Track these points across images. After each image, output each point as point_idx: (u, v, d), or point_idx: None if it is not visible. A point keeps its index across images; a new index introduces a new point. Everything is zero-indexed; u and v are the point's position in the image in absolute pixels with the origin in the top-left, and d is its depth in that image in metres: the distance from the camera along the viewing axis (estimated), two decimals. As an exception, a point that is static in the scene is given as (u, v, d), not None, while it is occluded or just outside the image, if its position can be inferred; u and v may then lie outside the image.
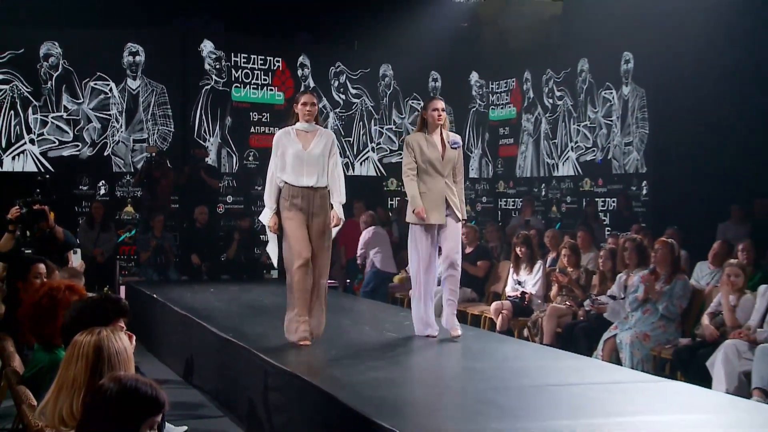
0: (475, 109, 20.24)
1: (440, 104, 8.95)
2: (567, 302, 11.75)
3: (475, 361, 8.66)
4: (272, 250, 9.09)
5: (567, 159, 17.88)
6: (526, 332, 12.08)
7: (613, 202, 16.86)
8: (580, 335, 11.02)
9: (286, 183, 8.48)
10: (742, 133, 14.00)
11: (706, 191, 14.44)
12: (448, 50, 19.42)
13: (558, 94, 18.04)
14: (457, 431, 6.02)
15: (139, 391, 3.56)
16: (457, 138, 8.95)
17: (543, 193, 18.51)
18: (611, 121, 16.75)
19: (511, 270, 12.99)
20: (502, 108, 19.72)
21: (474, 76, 20.12)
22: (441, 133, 8.93)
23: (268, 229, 8.78)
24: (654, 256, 10.67)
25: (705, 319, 10.04)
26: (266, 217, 8.74)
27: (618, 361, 10.07)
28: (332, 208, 8.83)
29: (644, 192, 16.25)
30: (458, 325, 9.18)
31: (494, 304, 12.60)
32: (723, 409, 6.99)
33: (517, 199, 19.04)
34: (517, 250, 12.84)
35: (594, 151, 17.14)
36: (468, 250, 14.07)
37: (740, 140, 14.10)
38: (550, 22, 18.07)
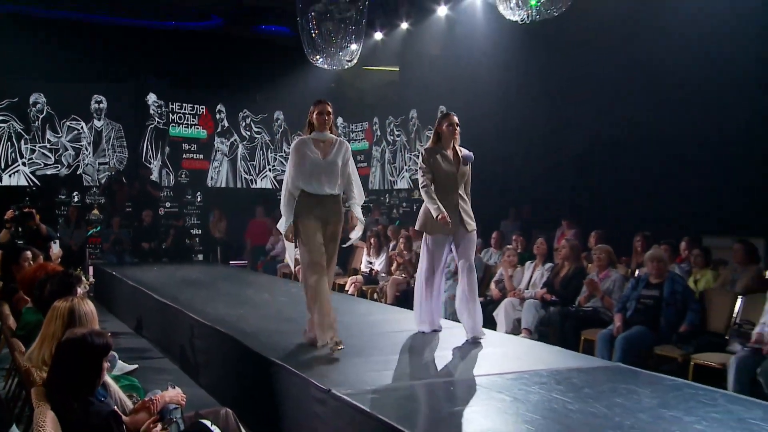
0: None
1: (455, 119, 7.05)
2: (403, 275, 12.04)
3: (340, 315, 8.55)
4: (290, 257, 7.08)
5: (403, 177, 18.17)
6: (375, 296, 12.24)
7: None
8: (412, 298, 11.12)
9: (303, 191, 6.54)
10: (516, 158, 14.31)
11: (495, 196, 14.54)
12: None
13: (396, 132, 18.28)
14: (327, 364, 5.89)
15: (92, 336, 3.81)
16: (470, 154, 7.10)
17: (387, 200, 18.69)
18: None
19: (365, 253, 13.30)
20: (358, 142, 19.84)
21: (340, 120, 20.29)
22: (454, 148, 7.06)
23: (285, 238, 6.77)
24: None
25: (492, 285, 10.23)
26: (284, 226, 6.68)
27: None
28: (347, 211, 6.92)
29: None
30: (483, 330, 7.09)
31: (351, 278, 13.00)
32: (504, 343, 7.17)
33: (369, 204, 19.27)
34: (371, 240, 13.17)
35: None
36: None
37: (513, 162, 14.43)
38: (391, 84, 18.30)
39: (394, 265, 12.50)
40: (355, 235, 7.09)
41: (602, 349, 7.83)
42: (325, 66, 12.57)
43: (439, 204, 6.75)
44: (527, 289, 9.60)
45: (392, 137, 18.60)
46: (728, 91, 10.46)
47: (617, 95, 11.63)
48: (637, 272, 8.75)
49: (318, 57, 12.22)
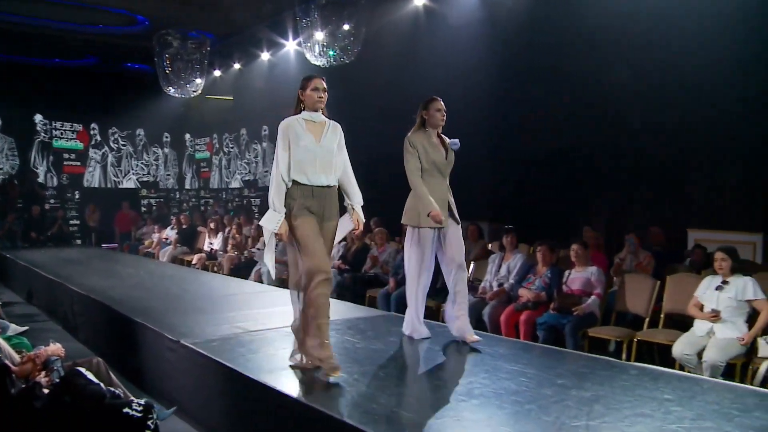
0: (189, 152, 19.94)
1: (443, 104, 5.14)
2: (236, 252, 11.93)
3: (188, 284, 8.55)
4: (270, 261, 4.51)
5: (235, 179, 18.01)
6: (215, 269, 12.04)
7: (258, 200, 17.02)
8: (243, 268, 11.13)
9: (295, 182, 4.30)
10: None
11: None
12: (173, 121, 19.15)
13: (231, 145, 18.08)
14: (177, 319, 5.80)
15: None
16: (456, 140, 5.21)
17: (224, 196, 18.44)
18: (257, 160, 17.05)
19: (207, 236, 13.12)
20: (202, 152, 19.48)
21: (188, 136, 19.86)
22: (439, 135, 5.22)
23: (274, 237, 4.34)
24: None
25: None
26: (273, 221, 4.25)
27: (260, 281, 10.00)
28: (346, 210, 4.66)
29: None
30: (472, 331, 5.15)
31: (197, 255, 12.72)
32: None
33: (210, 200, 18.98)
34: (211, 225, 13.06)
35: (251, 174, 17.38)
36: (185, 225, 14.10)
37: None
38: (227, 108, 18.04)
39: (229, 245, 12.38)
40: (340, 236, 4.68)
41: (381, 303, 8.01)
42: (176, 95, 12.53)
43: (431, 198, 4.99)
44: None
45: (227, 149, 18.30)
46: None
47: (392, 120, 11.87)
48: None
49: (170, 88, 12.15)
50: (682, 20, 7.98)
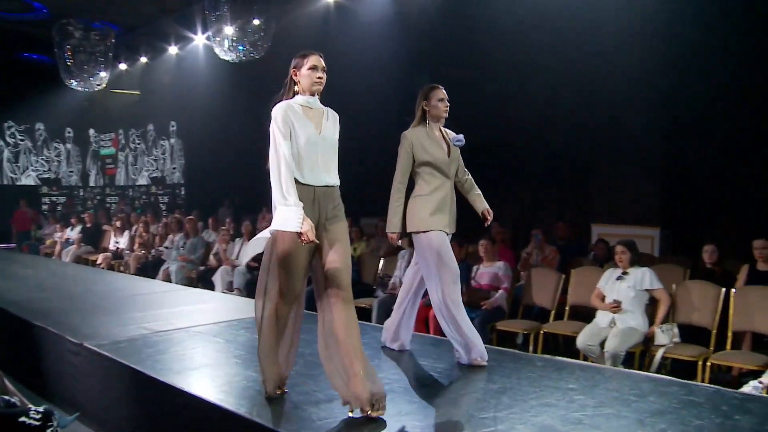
0: (93, 148, 19.31)
1: (445, 93, 4.38)
2: (143, 251, 11.66)
3: (92, 284, 8.16)
4: (255, 248, 3.97)
5: (143, 176, 17.58)
6: (121, 268, 11.66)
7: (166, 197, 16.73)
8: (151, 267, 10.90)
9: (295, 179, 3.45)
10: (227, 158, 14.11)
11: (212, 188, 14.60)
12: (76, 115, 18.45)
13: (137, 141, 17.68)
14: (80, 321, 5.56)
15: None
16: (460, 136, 4.41)
17: (131, 193, 18.01)
18: (165, 156, 16.69)
19: (113, 235, 12.78)
20: (107, 148, 18.94)
21: (92, 131, 19.22)
22: (440, 129, 4.45)
23: (295, 238, 3.35)
24: (188, 224, 10.78)
25: (211, 257, 10.07)
26: (293, 220, 3.31)
27: (168, 280, 9.89)
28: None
29: (183, 193, 16.32)
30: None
31: (102, 254, 12.34)
32: (220, 300, 7.31)
33: (115, 198, 18.46)
34: (117, 223, 12.74)
35: (159, 171, 16.97)
36: (89, 224, 13.67)
37: (224, 161, 14.22)
38: (133, 104, 17.57)
39: (136, 244, 12.07)
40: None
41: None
42: (79, 88, 12.09)
43: (391, 209, 4.33)
44: (237, 259, 9.58)
45: (134, 145, 17.88)
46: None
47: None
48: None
49: (72, 81, 11.71)
50: (588, 21, 8.26)
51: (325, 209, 3.52)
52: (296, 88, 3.62)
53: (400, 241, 4.46)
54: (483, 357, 4.29)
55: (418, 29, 9.82)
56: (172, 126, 16.37)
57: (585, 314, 6.24)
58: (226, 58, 9.76)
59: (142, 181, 17.65)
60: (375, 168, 11.72)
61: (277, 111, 3.54)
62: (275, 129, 3.50)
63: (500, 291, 6.60)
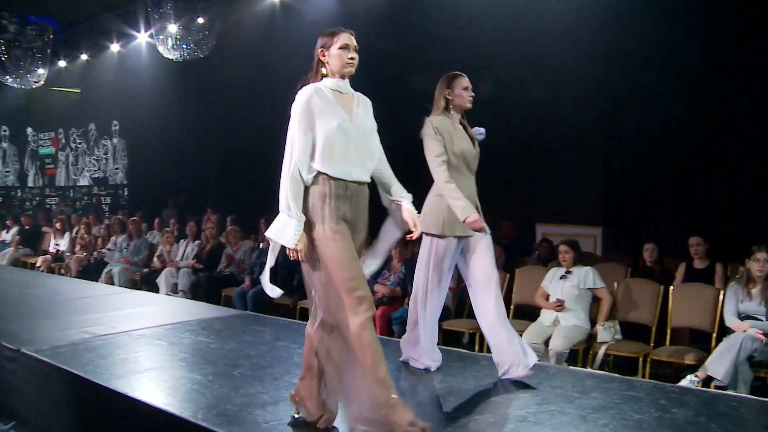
0: (31, 147, 18.81)
1: (469, 82, 4.05)
2: (84, 253, 11.41)
3: (30, 288, 7.92)
4: (268, 282, 3.22)
5: (84, 176, 17.19)
6: (62, 271, 11.32)
7: (109, 198, 16.44)
8: (93, 269, 10.63)
9: (323, 175, 3.00)
10: (174, 160, 13.91)
11: (156, 188, 14.34)
12: (13, 114, 18.00)
13: (78, 141, 17.28)
14: (16, 325, 5.45)
15: None
16: (482, 129, 4.14)
17: (72, 194, 17.60)
18: (107, 156, 16.37)
19: (52, 237, 12.51)
20: (46, 148, 18.47)
21: (30, 130, 18.73)
22: (462, 121, 4.10)
23: (276, 251, 3.13)
24: (132, 225, 10.60)
25: (155, 259, 9.83)
26: (288, 233, 2.95)
27: (111, 282, 9.62)
28: (396, 207, 3.41)
29: (126, 193, 16.02)
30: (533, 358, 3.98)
31: (41, 257, 12.04)
32: (164, 302, 7.19)
33: (55, 199, 18.02)
34: (57, 225, 12.47)
35: (101, 171, 16.64)
36: (26, 226, 13.34)
37: (172, 163, 13.99)
38: (74, 102, 17.18)
39: (77, 246, 11.81)
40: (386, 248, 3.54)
41: (238, 302, 7.91)
42: (15, 85, 11.79)
43: (467, 200, 3.84)
44: (182, 260, 9.47)
45: (75, 144, 17.45)
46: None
47: (248, 117, 11.78)
48: (261, 245, 8.95)
49: (8, 77, 11.41)
50: (529, 21, 8.40)
51: (358, 210, 3.11)
52: (324, 70, 3.17)
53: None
54: (437, 362, 4.16)
55: (364, 29, 9.83)
56: (115, 125, 16.04)
57: (530, 313, 6.31)
58: (170, 56, 9.66)
59: (84, 181, 17.24)
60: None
61: (300, 98, 3.06)
62: (293, 120, 3.05)
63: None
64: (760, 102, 7.20)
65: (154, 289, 9.13)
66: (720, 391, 4.42)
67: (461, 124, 4.09)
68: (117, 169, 16.16)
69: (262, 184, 12.34)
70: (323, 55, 3.16)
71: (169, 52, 9.60)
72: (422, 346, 4.13)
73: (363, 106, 3.19)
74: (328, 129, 2.99)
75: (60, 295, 7.43)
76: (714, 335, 5.31)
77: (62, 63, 15.63)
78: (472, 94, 4.05)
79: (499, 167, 9.01)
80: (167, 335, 5.23)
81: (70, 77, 16.44)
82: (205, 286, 8.69)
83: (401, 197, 3.37)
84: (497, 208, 9.19)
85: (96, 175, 16.86)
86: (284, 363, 4.40)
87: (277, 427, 3.20)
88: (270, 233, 3.01)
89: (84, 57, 15.49)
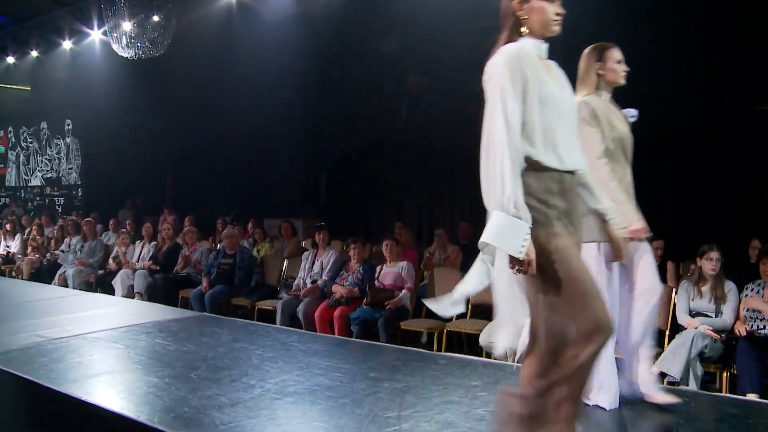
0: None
1: (621, 53, 3.35)
2: (37, 255, 11.19)
3: None
4: (474, 285, 2.39)
5: (36, 176, 16.85)
6: (13, 273, 11.11)
7: (62, 199, 16.14)
8: (45, 271, 10.43)
9: (534, 164, 2.27)
10: (131, 161, 13.74)
11: (114, 190, 14.14)
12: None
13: (30, 140, 16.94)
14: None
15: None
16: (634, 111, 3.44)
17: (23, 195, 17.26)
18: (61, 156, 16.08)
19: (3, 238, 12.27)
20: (-5, 147, 18.15)
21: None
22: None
23: (505, 266, 2.26)
24: (86, 226, 10.40)
25: (110, 261, 9.69)
26: (518, 239, 2.18)
27: (65, 285, 9.49)
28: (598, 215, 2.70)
29: (80, 194, 15.75)
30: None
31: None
32: (119, 304, 7.13)
33: (6, 199, 17.64)
34: (7, 226, 12.22)
35: (54, 171, 16.33)
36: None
37: (128, 164, 13.81)
38: (24, 100, 16.79)
39: (29, 248, 11.57)
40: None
41: (195, 303, 7.83)
42: (-40, 81, 11.50)
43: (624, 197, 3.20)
44: (138, 261, 9.35)
45: (26, 144, 17.11)
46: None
47: (205, 117, 11.73)
48: (218, 246, 8.90)
49: (-48, 73, 11.14)
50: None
51: (575, 204, 2.43)
52: (523, 29, 2.42)
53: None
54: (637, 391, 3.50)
55: (322, 29, 9.85)
56: (68, 124, 15.77)
57: (488, 312, 6.37)
58: (124, 54, 9.57)
59: (36, 181, 16.93)
60: (278, 168, 11.87)
61: (506, 57, 2.32)
62: (500, 87, 2.28)
63: (404, 291, 6.66)
64: (707, 102, 7.37)
65: (110, 291, 8.97)
66: (672, 386, 4.50)
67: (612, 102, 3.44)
68: (71, 169, 15.88)
69: (220, 184, 12.35)
70: (521, 8, 2.41)
71: (123, 51, 9.51)
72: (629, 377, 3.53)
73: (564, 77, 2.51)
74: (543, 104, 2.32)
75: (11, 299, 7.34)
76: (667, 332, 5.42)
77: (11, 59, 15.27)
78: (626, 68, 3.39)
79: (455, 166, 9.14)
80: (123, 338, 5.17)
81: (20, 74, 16.00)
82: (162, 287, 8.55)
83: (605, 209, 2.71)
84: (455, 207, 9.33)
85: (48, 175, 16.55)
86: (242, 365, 4.38)
87: (235, 429, 3.18)
88: (489, 238, 2.31)
89: (34, 53, 15.09)
